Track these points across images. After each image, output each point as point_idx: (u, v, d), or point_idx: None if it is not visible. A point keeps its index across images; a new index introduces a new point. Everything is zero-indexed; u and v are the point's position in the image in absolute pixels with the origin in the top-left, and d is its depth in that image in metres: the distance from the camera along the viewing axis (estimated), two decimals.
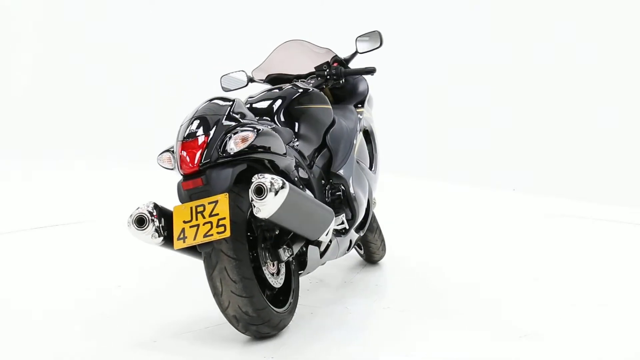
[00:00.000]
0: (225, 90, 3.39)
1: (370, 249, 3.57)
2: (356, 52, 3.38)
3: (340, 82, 3.33)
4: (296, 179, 2.67)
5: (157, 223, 2.41)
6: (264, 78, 3.39)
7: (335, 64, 3.35)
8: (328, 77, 3.30)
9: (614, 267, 3.71)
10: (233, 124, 2.49)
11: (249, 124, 2.52)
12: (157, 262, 3.61)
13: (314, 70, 3.34)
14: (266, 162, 2.57)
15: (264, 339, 2.51)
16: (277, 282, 2.59)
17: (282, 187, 2.29)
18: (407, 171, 6.85)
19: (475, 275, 3.49)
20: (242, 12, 9.39)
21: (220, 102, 2.57)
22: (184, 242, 2.33)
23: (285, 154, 2.62)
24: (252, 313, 2.38)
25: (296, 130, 3.00)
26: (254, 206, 2.29)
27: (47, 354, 2.49)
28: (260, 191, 2.27)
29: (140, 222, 2.40)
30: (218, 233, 2.28)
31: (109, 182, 6.88)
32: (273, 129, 2.70)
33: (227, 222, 2.28)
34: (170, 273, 3.47)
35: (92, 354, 2.48)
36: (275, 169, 2.60)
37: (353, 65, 3.44)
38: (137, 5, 10.20)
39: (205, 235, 2.30)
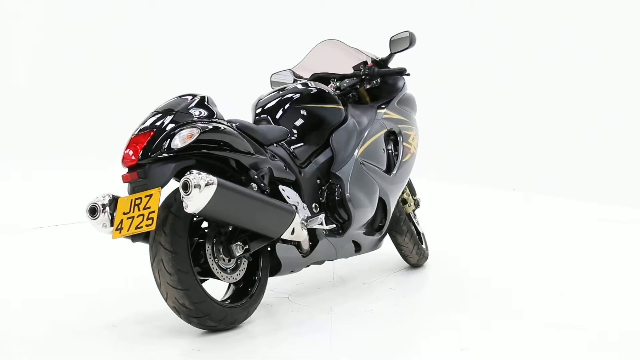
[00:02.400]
0: (275, 88, 3.45)
1: (403, 252, 3.53)
2: (392, 53, 3.40)
3: (374, 83, 3.38)
4: (256, 176, 2.69)
5: (108, 214, 2.51)
6: (308, 77, 3.47)
7: (370, 64, 3.39)
8: (363, 77, 3.35)
9: (620, 272, 3.70)
10: (190, 119, 2.56)
11: (203, 121, 2.58)
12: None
13: (352, 69, 3.40)
14: (232, 160, 2.64)
15: (218, 331, 2.57)
16: (231, 277, 2.63)
17: (209, 184, 2.34)
18: None
19: (512, 289, 3.31)
20: (243, 12, 9.39)
21: (183, 98, 2.66)
22: (120, 232, 2.43)
23: (252, 152, 2.67)
24: (189, 305, 2.44)
25: (294, 128, 3.05)
26: (183, 201, 2.36)
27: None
28: (186, 187, 2.34)
29: (92, 211, 2.51)
30: (147, 225, 2.37)
31: (109, 182, 6.86)
32: (241, 127, 2.75)
33: (155, 215, 2.36)
34: None
35: (44, 337, 2.61)
36: (240, 167, 2.66)
37: (392, 65, 3.48)
38: (137, 6, 10.20)
39: (136, 227, 2.39)
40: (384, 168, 3.28)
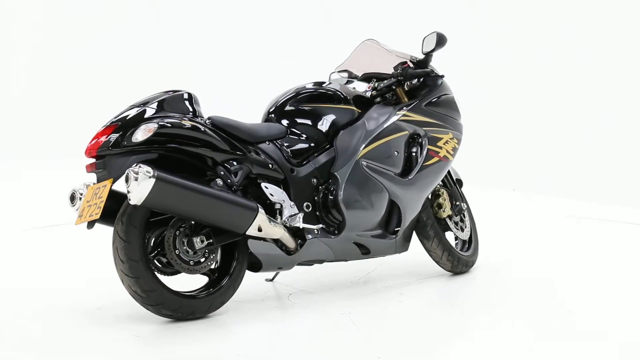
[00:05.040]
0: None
1: (433, 258, 3.41)
2: (424, 53, 3.37)
3: (408, 83, 3.37)
4: (222, 172, 2.73)
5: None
6: (359, 75, 3.50)
7: (405, 65, 3.39)
8: (398, 77, 3.34)
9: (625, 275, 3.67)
10: (160, 114, 2.66)
11: (170, 116, 2.67)
12: None
13: (393, 70, 3.42)
14: (207, 156, 2.71)
15: (181, 320, 2.67)
16: (194, 270, 2.68)
17: (148, 177, 2.44)
18: None
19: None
20: (246, 12, 9.39)
21: (163, 93, 2.77)
22: (80, 219, 2.57)
23: (226, 149, 2.74)
24: (141, 293, 2.56)
25: (296, 127, 3.10)
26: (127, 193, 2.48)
27: None
28: (127, 179, 2.46)
29: (71, 199, 2.68)
30: (95, 214, 2.51)
31: None
32: (218, 124, 2.80)
33: (102, 205, 2.49)
34: None
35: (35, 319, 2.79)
36: (215, 163, 2.74)
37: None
38: (137, 6, 10.19)
39: (89, 215, 2.54)
40: (398, 171, 3.21)
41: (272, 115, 3.15)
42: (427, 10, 7.85)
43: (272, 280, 3.36)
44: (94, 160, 2.63)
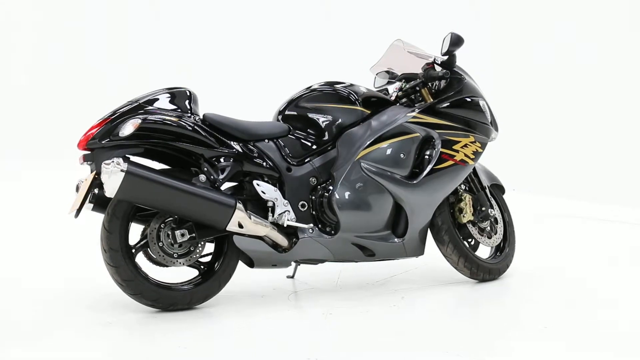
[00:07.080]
0: (376, 87, 3.55)
1: (450, 264, 3.31)
2: (442, 54, 3.35)
3: (431, 85, 3.35)
4: (206, 168, 2.78)
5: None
6: (397, 74, 3.51)
7: (429, 66, 3.37)
8: (422, 79, 3.33)
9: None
10: (151, 111, 2.73)
11: (157, 112, 2.73)
12: None
13: (421, 70, 3.41)
14: (195, 152, 2.77)
15: (168, 311, 2.76)
16: (177, 262, 2.75)
17: (118, 171, 2.54)
18: None
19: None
20: (249, 12, 9.39)
21: (160, 90, 2.85)
22: (71, 208, 2.69)
23: (214, 145, 2.79)
24: (120, 282, 2.68)
25: (298, 126, 3.11)
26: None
27: None
28: (101, 172, 2.58)
29: (76, 189, 2.78)
30: (78, 203, 2.65)
31: None
32: (211, 121, 2.84)
33: (83, 195, 2.64)
34: None
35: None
36: (205, 159, 2.81)
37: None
38: (138, 5, 10.19)
39: (75, 205, 2.66)
40: (405, 174, 3.14)
41: (281, 114, 3.17)
42: (427, 10, 7.84)
43: (292, 277, 3.40)
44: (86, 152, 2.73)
